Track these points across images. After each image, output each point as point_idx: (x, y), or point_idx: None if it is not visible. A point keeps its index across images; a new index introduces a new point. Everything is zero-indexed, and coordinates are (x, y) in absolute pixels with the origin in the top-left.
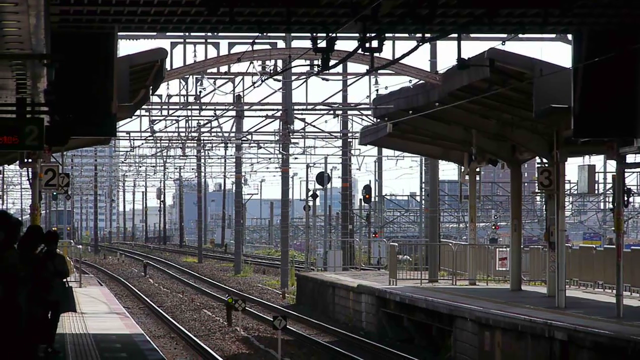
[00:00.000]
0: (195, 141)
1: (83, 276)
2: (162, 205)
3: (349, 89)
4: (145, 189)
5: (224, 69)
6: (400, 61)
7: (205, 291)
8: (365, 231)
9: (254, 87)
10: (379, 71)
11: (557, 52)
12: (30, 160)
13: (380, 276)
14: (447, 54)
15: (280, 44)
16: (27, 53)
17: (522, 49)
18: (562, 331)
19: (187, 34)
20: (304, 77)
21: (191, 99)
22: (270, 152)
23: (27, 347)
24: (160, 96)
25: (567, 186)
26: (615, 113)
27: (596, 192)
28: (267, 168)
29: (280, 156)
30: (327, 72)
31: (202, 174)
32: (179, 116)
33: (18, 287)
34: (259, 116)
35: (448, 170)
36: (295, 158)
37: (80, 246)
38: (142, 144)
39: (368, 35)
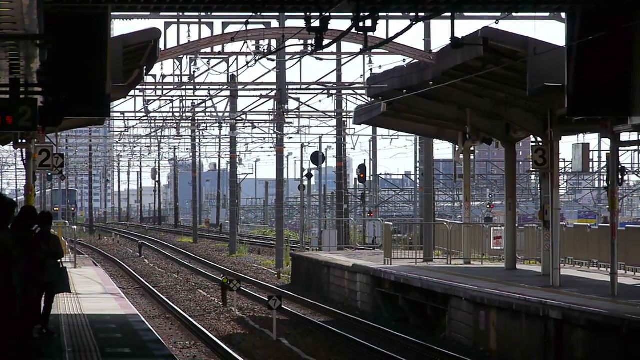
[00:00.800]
0: (189, 121)
1: (78, 257)
2: (157, 186)
3: (343, 68)
4: (140, 169)
5: (217, 48)
6: (394, 40)
7: (201, 271)
8: (360, 211)
9: (248, 67)
10: (373, 50)
11: (551, 30)
12: (24, 141)
13: (375, 256)
14: (441, 33)
15: (274, 23)
16: (20, 34)
17: (515, 27)
18: (557, 310)
19: (180, 13)
20: (298, 56)
21: (185, 79)
22: (265, 132)
23: (22, 328)
24: (154, 76)
25: (561, 165)
26: (609, 91)
27: (590, 170)
28: (262, 148)
29: (274, 136)
30: (321, 51)
31: (197, 154)
32: (173, 96)
33: (12, 268)
34: (253, 96)
35: (442, 150)
36: (290, 138)
37: (75, 227)
38: (137, 124)
39: (362, 14)
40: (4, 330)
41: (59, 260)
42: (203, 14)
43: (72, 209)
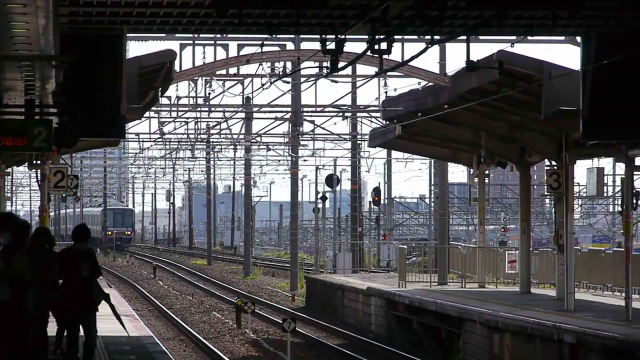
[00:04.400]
0: (204, 143)
1: None
2: (171, 207)
3: (358, 90)
4: (155, 191)
5: (233, 70)
6: (409, 63)
7: (215, 293)
8: (375, 233)
9: (263, 89)
10: (388, 73)
11: (566, 54)
12: (39, 161)
13: (389, 279)
14: (456, 56)
15: (290, 45)
16: (35, 54)
17: (531, 51)
18: (571, 334)
19: (196, 35)
20: (313, 79)
21: (200, 101)
22: (280, 154)
23: (36, 350)
24: (169, 98)
25: (576, 189)
26: (624, 115)
27: (605, 194)
28: (277, 170)
29: (289, 158)
30: (336, 74)
31: (212, 175)
32: (188, 118)
33: (27, 290)
34: (268, 118)
35: (457, 173)
36: (305, 160)
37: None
38: (151, 145)
39: (377, 37)
40: (18, 353)
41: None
42: (218, 35)
43: (128, 232)
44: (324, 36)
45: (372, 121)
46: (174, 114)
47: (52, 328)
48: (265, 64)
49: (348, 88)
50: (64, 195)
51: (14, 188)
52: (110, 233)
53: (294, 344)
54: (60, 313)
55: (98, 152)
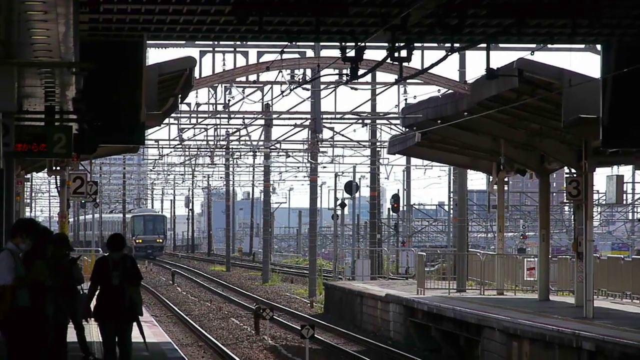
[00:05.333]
0: (223, 149)
1: None
2: (190, 214)
3: (377, 98)
4: (174, 197)
5: (252, 77)
6: (429, 71)
7: (233, 300)
8: (394, 240)
9: (283, 96)
10: (408, 80)
11: (586, 62)
12: (58, 168)
13: (408, 285)
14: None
15: (309, 53)
16: (56, 61)
17: (551, 59)
18: (590, 342)
19: (216, 42)
20: (333, 86)
21: (220, 108)
22: (299, 161)
23: (55, 356)
24: (189, 104)
25: (595, 196)
26: None
27: (624, 202)
28: (296, 177)
29: (308, 165)
30: (356, 81)
31: (231, 182)
32: (207, 124)
33: (46, 297)
34: (288, 125)
35: (476, 180)
36: (324, 167)
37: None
38: (171, 152)
39: (397, 44)
40: (37, 359)
41: (79, 286)
42: (238, 43)
43: (159, 240)
44: (343, 44)
45: (391, 128)
46: (193, 121)
47: (71, 334)
48: (285, 71)
49: (367, 95)
50: (83, 201)
51: (33, 194)
52: (140, 241)
53: (312, 351)
54: (97, 320)
55: (117, 159)
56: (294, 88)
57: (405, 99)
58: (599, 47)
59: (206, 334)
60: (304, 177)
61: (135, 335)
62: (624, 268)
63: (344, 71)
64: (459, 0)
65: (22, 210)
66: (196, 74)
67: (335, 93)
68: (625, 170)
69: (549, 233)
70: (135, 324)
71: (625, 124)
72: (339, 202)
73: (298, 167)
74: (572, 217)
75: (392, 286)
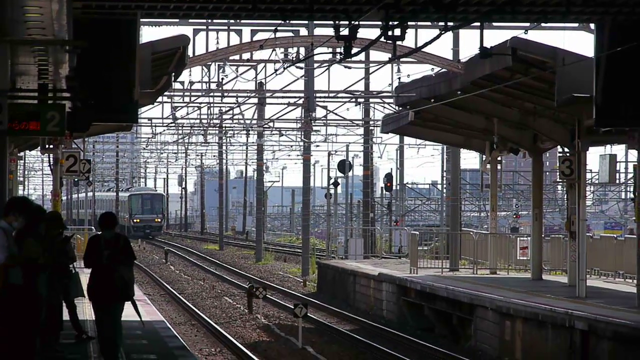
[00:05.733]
0: (217, 128)
1: None
2: (183, 192)
3: (371, 76)
4: (167, 176)
5: (246, 56)
6: (423, 49)
7: (226, 278)
8: (387, 219)
9: (276, 75)
10: (401, 59)
11: (579, 41)
12: (51, 146)
13: (401, 265)
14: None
15: (303, 31)
16: (49, 39)
17: (544, 38)
18: (583, 321)
19: (209, 20)
20: (326, 64)
21: (213, 86)
22: (292, 140)
23: (48, 334)
24: (182, 83)
25: (588, 175)
26: (637, 102)
27: (617, 181)
28: (289, 155)
29: (301, 144)
30: (349, 59)
31: (224, 161)
32: (200, 103)
33: (39, 275)
34: (281, 103)
35: (469, 159)
36: (317, 146)
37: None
38: (164, 130)
39: (390, 23)
40: (30, 337)
41: (71, 265)
42: (232, 21)
43: (157, 220)
44: (337, 22)
45: (384, 107)
46: (186, 99)
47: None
48: (278, 50)
49: (361, 74)
50: (76, 179)
51: (26, 172)
52: (137, 220)
53: (305, 329)
54: (90, 299)
55: (110, 137)
56: (287, 66)
57: (399, 78)
58: (592, 26)
59: (199, 312)
60: (297, 155)
61: (131, 314)
62: (617, 247)
63: (338, 50)
64: None
65: (15, 188)
66: (190, 52)
67: (329, 71)
68: (619, 150)
69: (542, 212)
70: (130, 303)
71: (619, 103)
72: (332, 180)
73: (291, 146)
74: (565, 197)
75: (385, 265)
